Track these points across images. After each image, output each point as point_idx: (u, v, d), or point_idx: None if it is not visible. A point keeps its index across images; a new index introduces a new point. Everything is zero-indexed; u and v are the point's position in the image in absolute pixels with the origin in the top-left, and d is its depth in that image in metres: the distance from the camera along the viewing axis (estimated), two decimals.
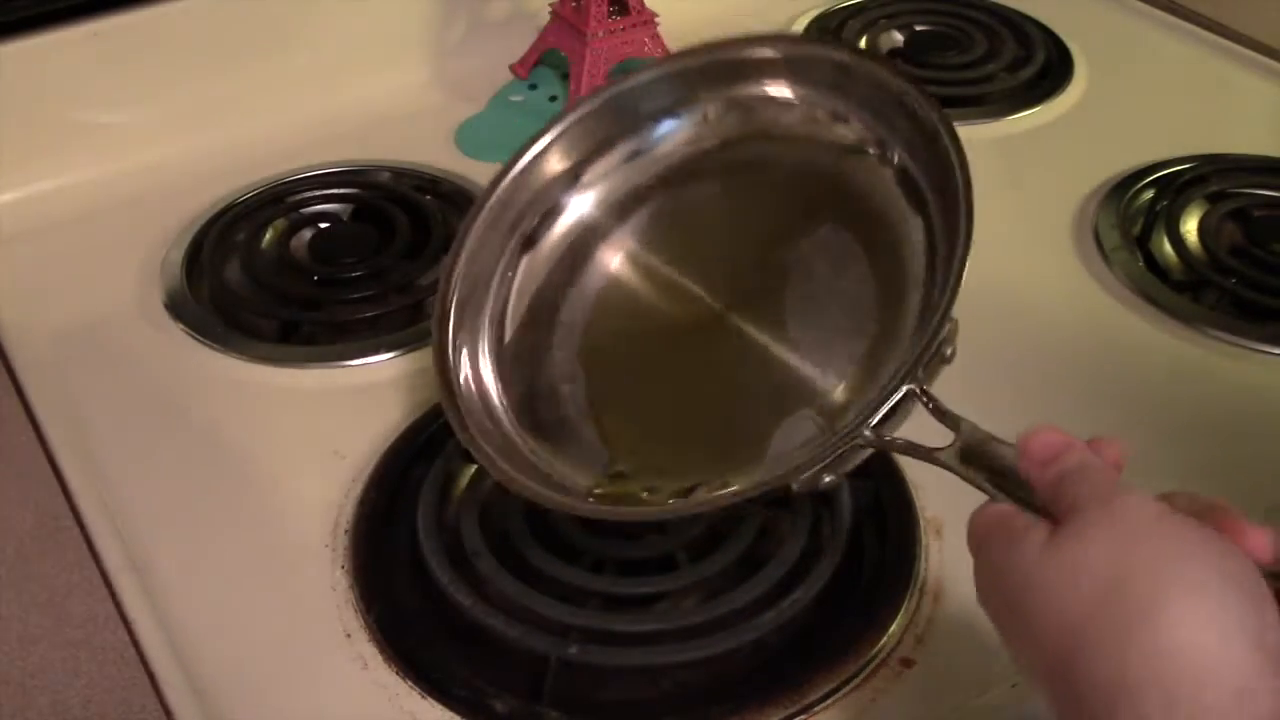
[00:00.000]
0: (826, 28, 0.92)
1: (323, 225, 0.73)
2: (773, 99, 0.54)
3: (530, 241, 0.56)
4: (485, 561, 0.50)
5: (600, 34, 0.80)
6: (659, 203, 0.55)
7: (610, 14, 0.81)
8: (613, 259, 0.56)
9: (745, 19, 0.94)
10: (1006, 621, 0.35)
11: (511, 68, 0.87)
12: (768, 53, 0.53)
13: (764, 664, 0.48)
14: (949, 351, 0.43)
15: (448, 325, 0.53)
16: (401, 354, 0.63)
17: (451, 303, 0.54)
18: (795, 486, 0.43)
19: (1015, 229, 0.73)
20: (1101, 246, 0.70)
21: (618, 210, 0.56)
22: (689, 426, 0.52)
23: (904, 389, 0.42)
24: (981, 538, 0.36)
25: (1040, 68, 0.86)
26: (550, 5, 0.84)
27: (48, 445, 0.58)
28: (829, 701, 0.47)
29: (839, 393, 0.49)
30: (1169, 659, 0.30)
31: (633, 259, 0.55)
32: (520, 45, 0.87)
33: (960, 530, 0.52)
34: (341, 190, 0.75)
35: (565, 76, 0.85)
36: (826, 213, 0.53)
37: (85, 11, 0.75)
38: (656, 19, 0.82)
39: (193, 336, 0.65)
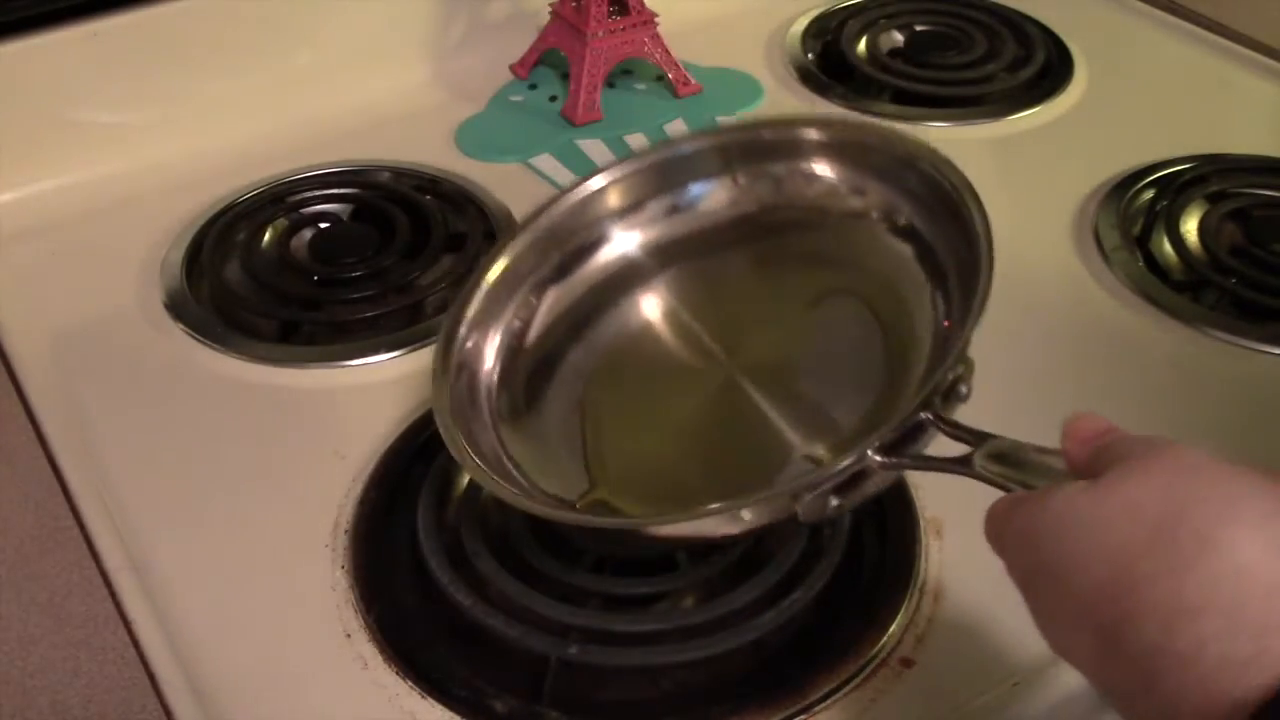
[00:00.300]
0: (826, 27, 0.92)
1: (323, 225, 0.73)
2: (803, 172, 0.55)
3: (563, 271, 0.57)
4: (485, 561, 0.50)
5: (600, 34, 0.81)
6: (688, 256, 0.57)
7: (610, 14, 0.81)
8: (639, 301, 0.57)
9: (745, 19, 0.94)
10: (1041, 579, 0.34)
11: (511, 68, 0.87)
12: (811, 135, 0.55)
13: (764, 664, 0.48)
14: (964, 390, 0.43)
15: (468, 309, 0.54)
16: (401, 354, 0.63)
17: (476, 297, 0.55)
18: (801, 513, 0.42)
19: (1015, 229, 0.72)
20: (1101, 246, 0.70)
21: (652, 253, 0.57)
22: (678, 469, 0.53)
23: (919, 416, 0.41)
24: (1006, 509, 0.36)
25: (1040, 68, 0.86)
26: (550, 5, 0.84)
27: (48, 445, 0.58)
28: (829, 701, 0.47)
29: (837, 445, 0.49)
30: (1231, 581, 0.29)
31: (657, 304, 0.57)
32: (520, 45, 0.87)
33: (961, 530, 0.52)
34: (341, 190, 0.75)
35: (565, 76, 0.85)
36: (843, 281, 0.54)
37: (85, 11, 0.75)
38: (656, 19, 0.82)
39: (193, 336, 0.65)
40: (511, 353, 0.55)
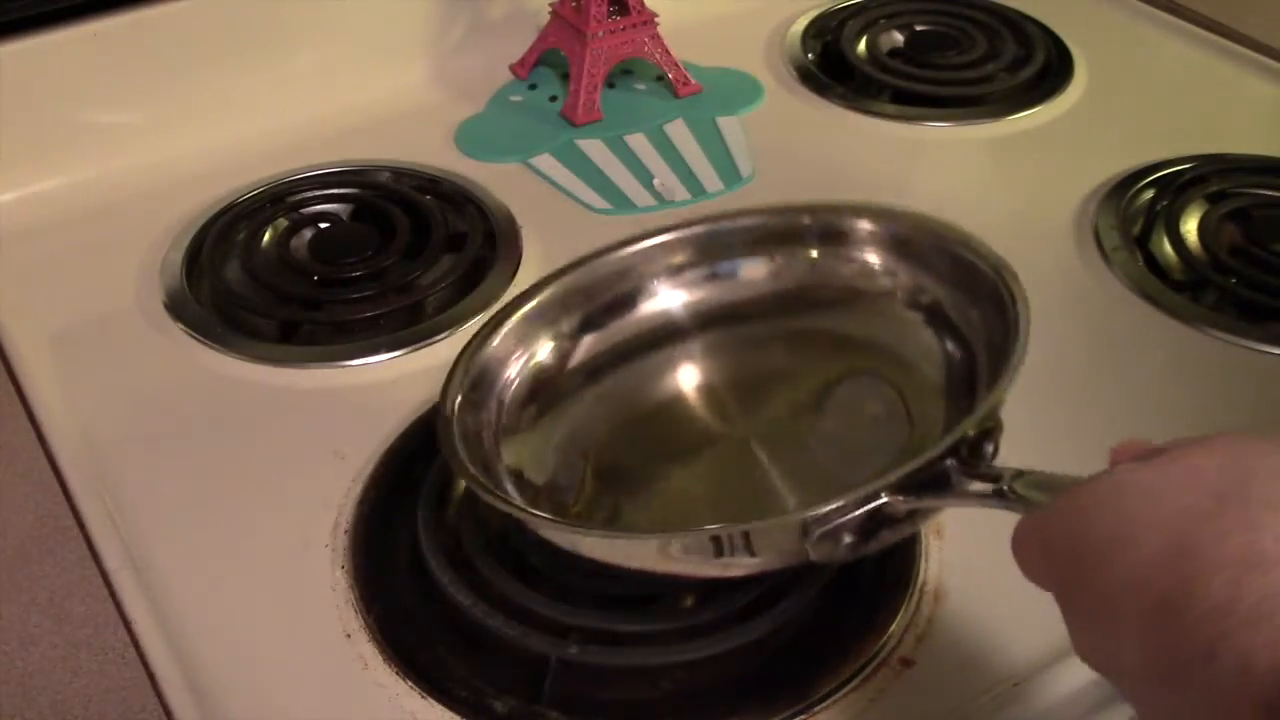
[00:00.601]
0: (826, 27, 0.92)
1: (323, 225, 0.73)
2: (840, 255, 0.56)
3: (603, 315, 0.57)
4: (485, 561, 0.50)
5: (600, 34, 0.81)
6: (720, 323, 0.57)
7: (610, 14, 0.81)
8: (667, 357, 0.57)
9: (745, 19, 0.94)
10: (1086, 565, 0.32)
11: (511, 68, 0.87)
12: (851, 223, 0.55)
13: (764, 664, 0.48)
14: (991, 449, 0.42)
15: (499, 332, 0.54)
16: (401, 354, 0.63)
17: (519, 314, 0.55)
18: (812, 552, 0.41)
19: (1015, 229, 0.72)
20: (1101, 246, 0.70)
21: (687, 316, 0.58)
22: (669, 524, 0.52)
23: (944, 463, 0.40)
24: (1041, 514, 0.35)
25: (1040, 68, 0.86)
26: (550, 5, 0.84)
27: (48, 445, 0.58)
28: (829, 701, 0.47)
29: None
30: None
31: (684, 363, 0.57)
32: (520, 45, 0.87)
33: (961, 530, 0.52)
34: (341, 190, 0.75)
35: (565, 76, 0.85)
36: (868, 361, 0.54)
37: (85, 11, 0.75)
38: (656, 19, 0.82)
39: (193, 336, 0.65)
40: (535, 377, 0.55)
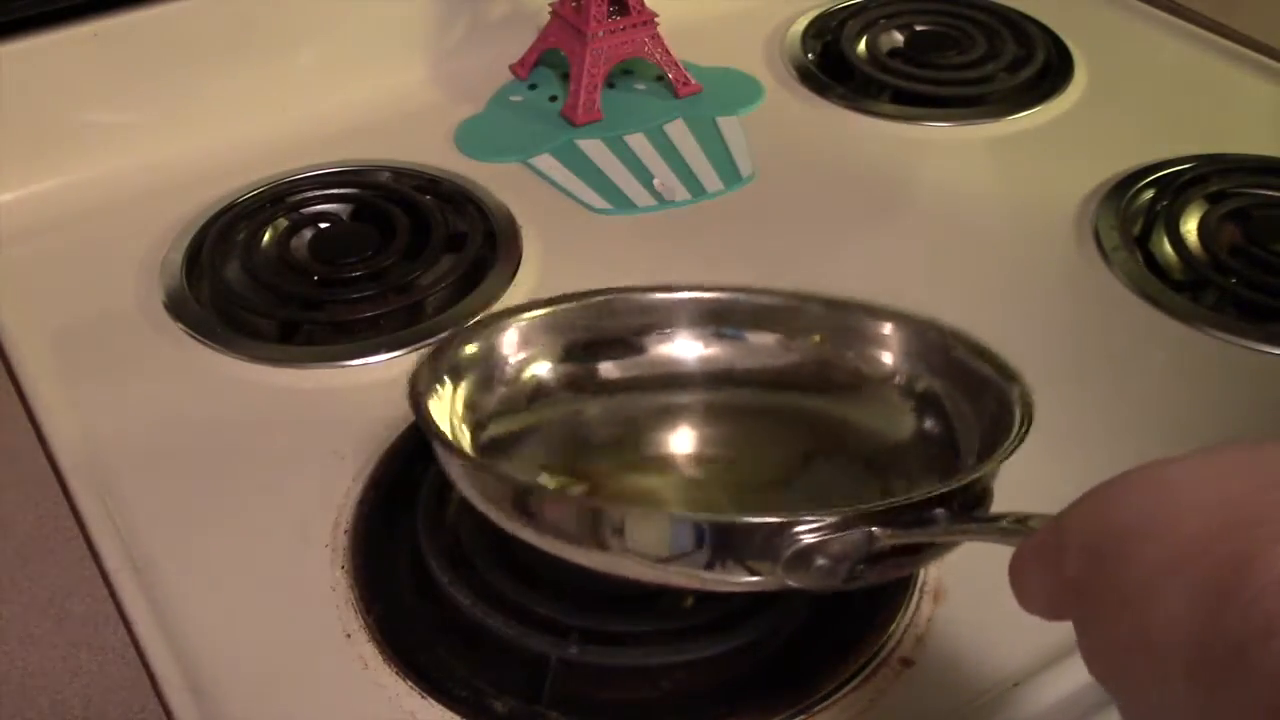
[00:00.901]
0: (826, 27, 0.92)
1: (323, 225, 0.73)
2: (848, 339, 0.54)
3: (591, 349, 0.56)
4: (485, 561, 0.50)
5: (600, 34, 0.81)
6: (714, 384, 0.56)
7: (610, 14, 0.81)
8: (660, 399, 0.56)
9: (745, 19, 0.94)
10: (1111, 554, 0.29)
11: (511, 68, 0.87)
12: (883, 327, 0.54)
13: (764, 664, 0.48)
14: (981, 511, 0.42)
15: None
16: (401, 354, 0.63)
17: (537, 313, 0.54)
18: (784, 572, 0.39)
19: (1015, 229, 0.73)
20: (1101, 246, 0.70)
21: (687, 368, 0.56)
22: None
23: (932, 511, 0.40)
24: (1042, 534, 0.33)
25: (1040, 68, 0.86)
26: (550, 5, 0.84)
27: (48, 445, 0.58)
28: (829, 701, 0.47)
29: None
30: None
31: (673, 411, 0.56)
32: (520, 45, 0.87)
33: None
34: (341, 190, 0.75)
35: (565, 76, 0.85)
36: (857, 449, 0.53)
37: (85, 11, 0.75)
38: (656, 19, 0.82)
39: (193, 336, 0.65)
40: (527, 381, 0.54)
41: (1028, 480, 0.57)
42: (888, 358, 0.53)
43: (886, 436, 0.52)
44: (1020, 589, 0.34)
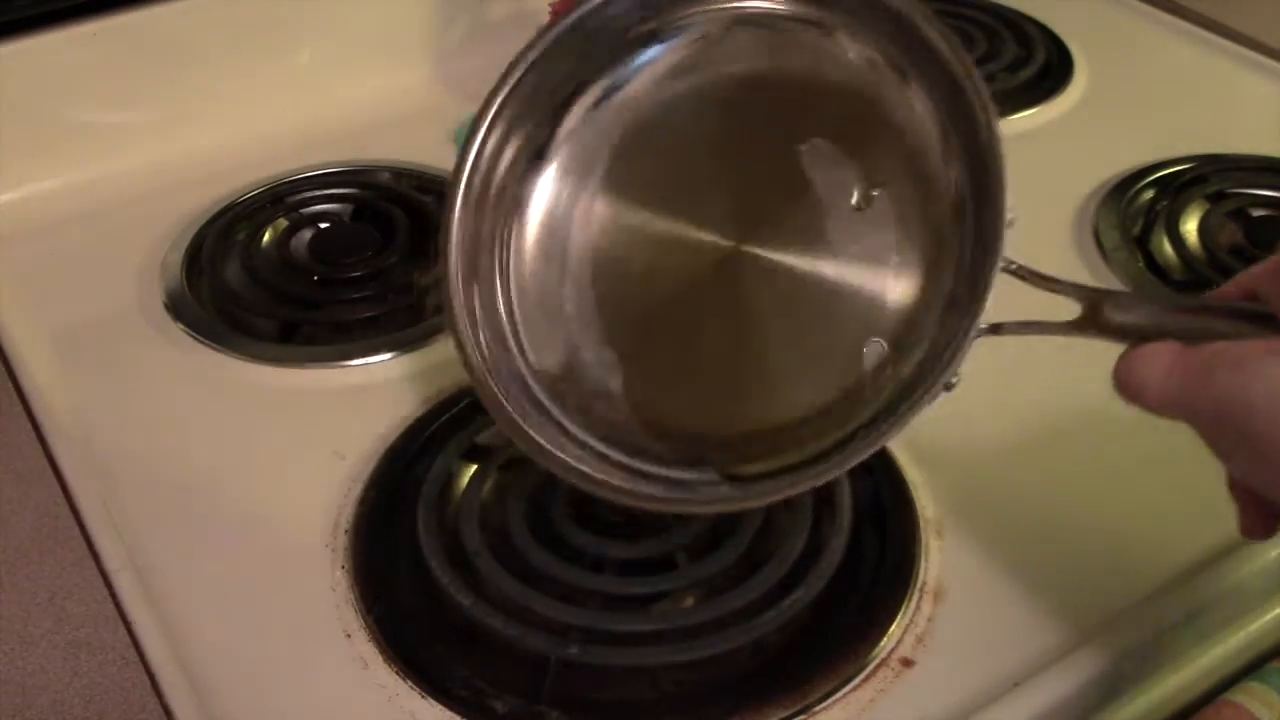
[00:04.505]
0: None
1: (323, 225, 0.73)
2: (799, 17, 0.49)
3: (556, 151, 0.52)
4: (485, 561, 0.50)
5: None
6: (648, 140, 0.51)
7: None
8: (599, 217, 0.51)
9: None
10: (1250, 446, 0.34)
11: None
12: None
13: (764, 664, 0.48)
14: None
15: (451, 266, 0.50)
16: (401, 354, 0.63)
17: (454, 263, 0.50)
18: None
19: (1015, 229, 0.72)
20: (1101, 246, 0.70)
21: (618, 142, 0.52)
22: (739, 381, 0.48)
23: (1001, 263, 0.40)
24: (1174, 360, 0.36)
25: (1040, 68, 0.86)
26: (550, 5, 0.84)
27: (48, 445, 0.58)
28: (829, 701, 0.47)
29: (896, 306, 0.45)
30: None
31: (617, 218, 0.51)
32: (520, 45, 0.86)
33: (961, 530, 0.52)
34: (341, 190, 0.75)
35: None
36: (848, 140, 0.48)
37: (85, 11, 0.75)
38: None
39: (193, 336, 0.65)
40: (508, 281, 0.51)
41: (1028, 476, 0.57)
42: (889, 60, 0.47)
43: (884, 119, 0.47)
44: (1139, 383, 0.37)
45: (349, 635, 0.50)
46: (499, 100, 0.52)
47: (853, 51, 0.48)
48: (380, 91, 0.83)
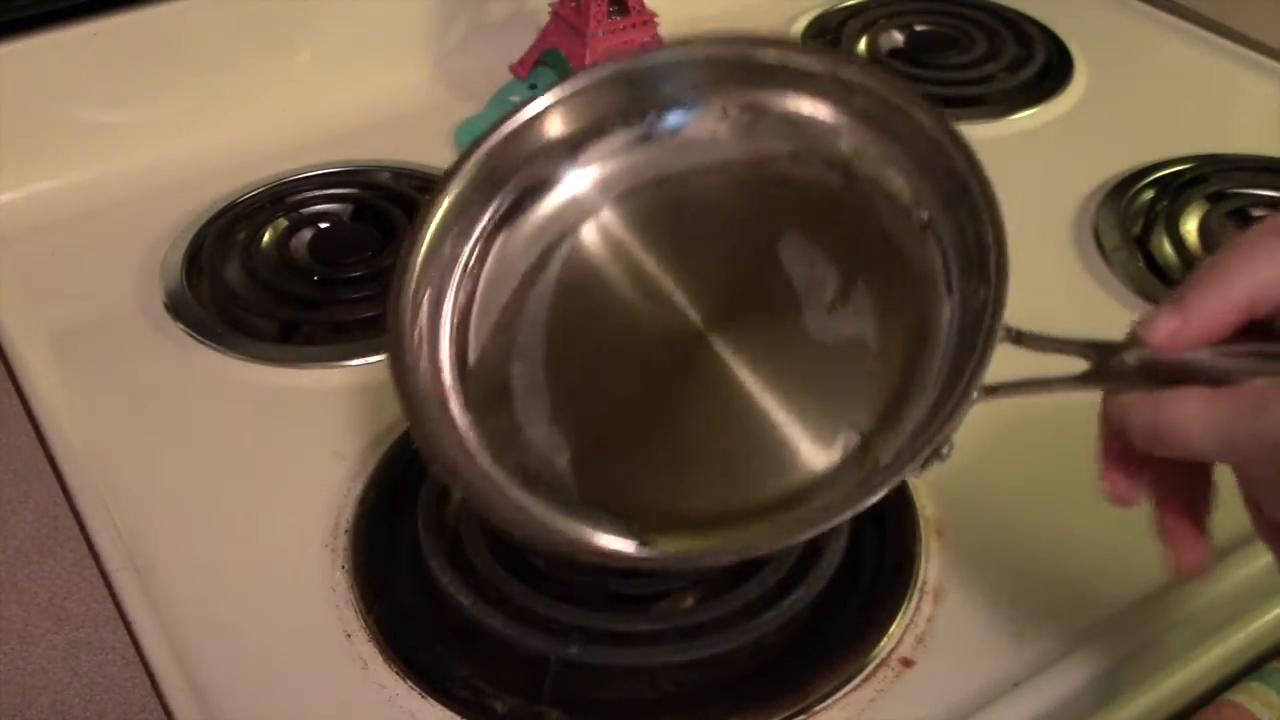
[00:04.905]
0: (827, 27, 0.92)
1: (323, 225, 0.73)
2: (809, 118, 0.48)
3: (514, 210, 0.49)
4: (485, 561, 0.50)
5: (600, 34, 0.80)
6: (658, 198, 0.50)
7: (610, 14, 0.81)
8: (595, 252, 0.49)
9: (745, 19, 0.94)
10: None
11: (511, 68, 0.87)
12: (809, 64, 0.49)
13: (764, 664, 0.48)
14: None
15: (405, 318, 0.46)
16: None
17: (409, 294, 0.46)
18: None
19: (1015, 229, 0.72)
20: (1101, 246, 0.70)
21: (612, 197, 0.49)
22: (671, 457, 0.47)
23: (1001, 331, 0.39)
24: (1211, 406, 0.34)
25: (1040, 68, 0.86)
26: (550, 5, 0.84)
27: (48, 445, 0.58)
28: (829, 701, 0.47)
29: (874, 394, 0.44)
30: None
31: (616, 256, 0.49)
32: (520, 45, 0.87)
33: (961, 530, 0.52)
34: (341, 190, 0.75)
35: (565, 76, 0.85)
36: (837, 242, 0.48)
37: (85, 11, 0.75)
38: (656, 19, 0.82)
39: (193, 336, 0.65)
40: (462, 325, 0.48)
41: (1028, 476, 0.56)
42: (883, 155, 0.47)
43: (888, 243, 0.47)
44: (1180, 432, 0.35)
45: (349, 635, 0.50)
46: (467, 166, 0.48)
47: (846, 144, 0.47)
48: (380, 91, 0.83)
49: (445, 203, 0.47)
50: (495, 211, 0.49)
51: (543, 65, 0.87)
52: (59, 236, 0.73)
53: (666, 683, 0.48)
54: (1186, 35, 0.90)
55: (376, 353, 0.63)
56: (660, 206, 0.50)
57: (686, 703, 0.47)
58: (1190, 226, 0.70)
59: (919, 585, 0.51)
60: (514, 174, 0.48)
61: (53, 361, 0.64)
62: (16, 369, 0.63)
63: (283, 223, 0.72)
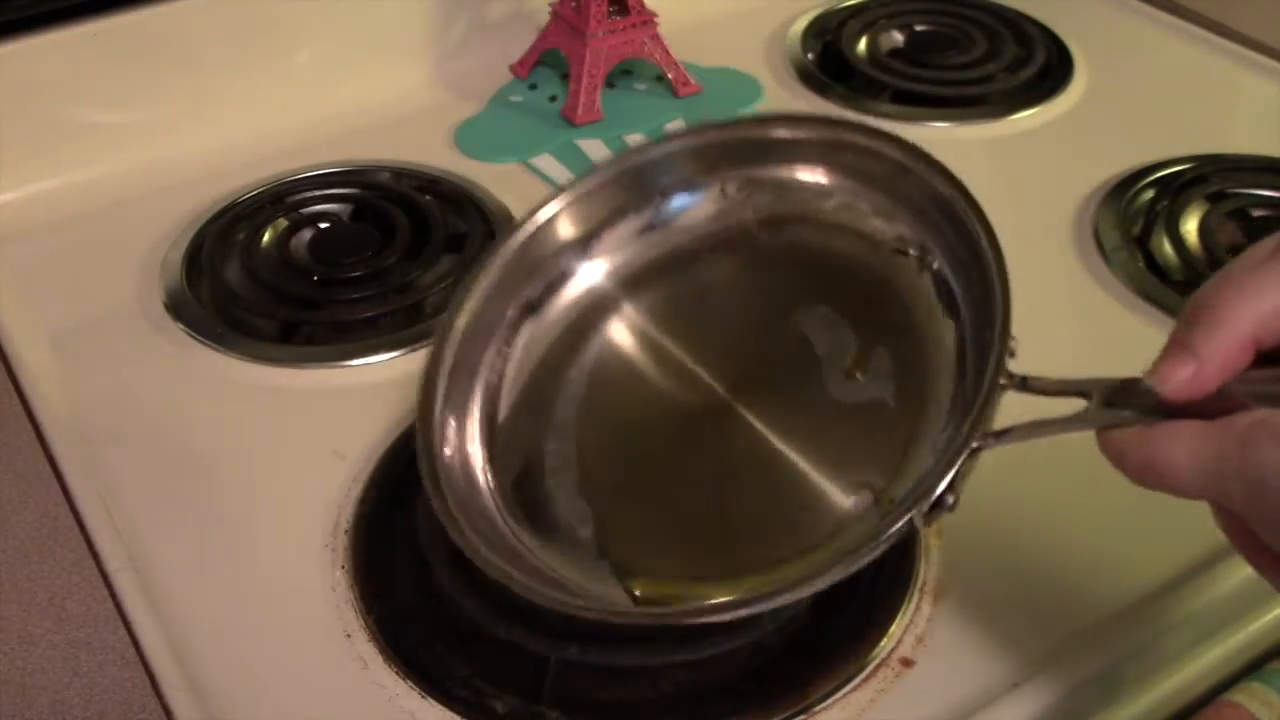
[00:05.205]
0: (827, 27, 0.92)
1: (323, 225, 0.73)
2: (802, 183, 0.51)
3: (532, 309, 0.52)
4: None
5: (600, 34, 0.81)
6: (670, 280, 0.52)
7: (610, 14, 0.81)
8: (617, 335, 0.52)
9: (745, 19, 0.94)
10: None
11: (511, 68, 0.87)
12: (800, 134, 0.50)
13: (764, 664, 0.48)
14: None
15: (435, 393, 0.49)
16: (401, 354, 0.63)
17: (443, 369, 0.50)
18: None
19: (1015, 229, 0.72)
20: (1101, 246, 0.70)
21: (627, 284, 0.53)
22: (695, 523, 0.48)
23: (1000, 383, 0.39)
24: (1198, 442, 0.34)
25: (1040, 68, 0.86)
26: (550, 5, 0.84)
27: (48, 445, 0.58)
28: (829, 701, 0.47)
29: (889, 454, 0.45)
30: None
31: (638, 336, 0.52)
32: (520, 45, 0.87)
33: (961, 530, 0.52)
34: (341, 190, 0.75)
35: (565, 76, 0.85)
36: (850, 307, 0.50)
37: (85, 11, 0.75)
38: (656, 19, 0.82)
39: (193, 336, 0.65)
40: (490, 415, 0.51)
41: (1028, 477, 0.57)
42: (876, 207, 0.49)
43: (894, 297, 0.49)
44: (1167, 471, 0.35)
45: (349, 635, 0.50)
46: (498, 261, 0.52)
47: (841, 202, 0.50)
48: (380, 91, 0.84)
49: (472, 301, 0.51)
50: (521, 304, 0.52)
51: (543, 65, 0.87)
52: (59, 236, 0.73)
53: (666, 683, 0.48)
54: (1186, 35, 0.90)
55: (376, 353, 0.63)
56: (674, 286, 0.52)
57: (686, 703, 0.47)
58: (1190, 226, 0.70)
59: (919, 585, 0.51)
60: (536, 270, 0.52)
61: (53, 361, 0.64)
62: (16, 369, 0.63)
63: (283, 223, 0.72)
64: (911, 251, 0.48)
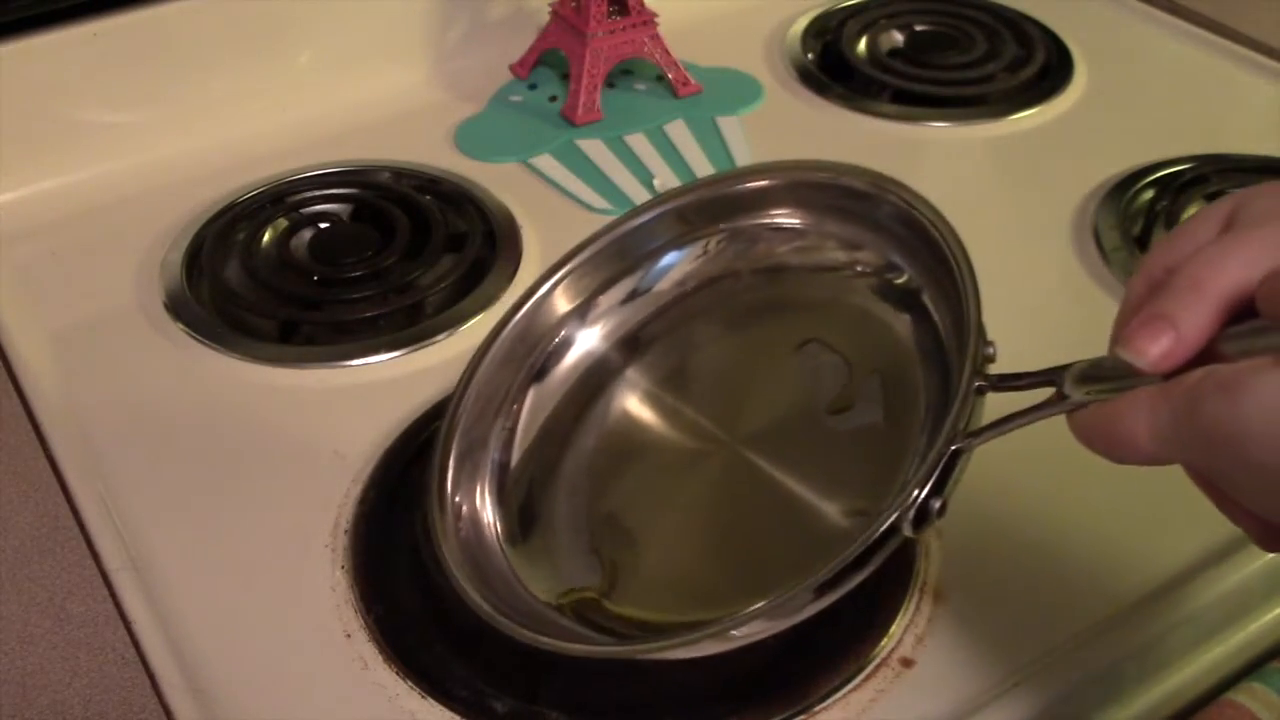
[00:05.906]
0: (827, 27, 0.92)
1: (323, 225, 0.73)
2: (777, 226, 0.53)
3: (539, 375, 0.55)
4: None
5: (600, 34, 0.81)
6: (665, 336, 0.55)
7: (610, 14, 0.81)
8: (619, 395, 0.54)
9: (745, 19, 0.94)
10: (1247, 473, 0.31)
11: (511, 68, 0.87)
12: (766, 181, 0.53)
13: (764, 664, 0.48)
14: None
15: (450, 455, 0.52)
16: (401, 354, 0.63)
17: (456, 433, 0.52)
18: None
19: (1015, 229, 0.73)
20: (1101, 246, 0.70)
21: (624, 345, 0.55)
22: (708, 568, 0.49)
23: (973, 385, 0.40)
24: (1155, 403, 0.33)
25: (1040, 68, 0.86)
26: (550, 5, 0.84)
27: (48, 445, 0.58)
28: (829, 701, 0.47)
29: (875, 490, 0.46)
30: None
31: (639, 393, 0.54)
32: (520, 45, 0.87)
33: (961, 530, 0.52)
34: (341, 190, 0.75)
35: (565, 76, 0.85)
36: (837, 339, 0.51)
37: (85, 11, 0.75)
38: (656, 19, 0.82)
39: (193, 336, 0.65)
40: (500, 479, 0.53)
41: (1027, 476, 0.57)
42: (844, 240, 0.52)
43: (852, 314, 0.51)
44: (1128, 437, 0.35)
45: (349, 635, 0.50)
46: (506, 331, 0.55)
47: (843, 254, 0.52)
48: (380, 91, 0.84)
49: (480, 372, 0.53)
50: (523, 374, 0.55)
51: (543, 65, 0.87)
52: (59, 236, 0.73)
53: (666, 683, 0.48)
54: (1186, 35, 0.90)
55: (376, 353, 0.64)
56: (669, 341, 0.55)
57: (686, 703, 0.47)
58: None
59: (919, 585, 0.51)
60: (537, 344, 0.55)
61: (53, 361, 0.64)
62: (16, 369, 0.63)
63: (283, 223, 0.72)
64: (887, 275, 0.50)
